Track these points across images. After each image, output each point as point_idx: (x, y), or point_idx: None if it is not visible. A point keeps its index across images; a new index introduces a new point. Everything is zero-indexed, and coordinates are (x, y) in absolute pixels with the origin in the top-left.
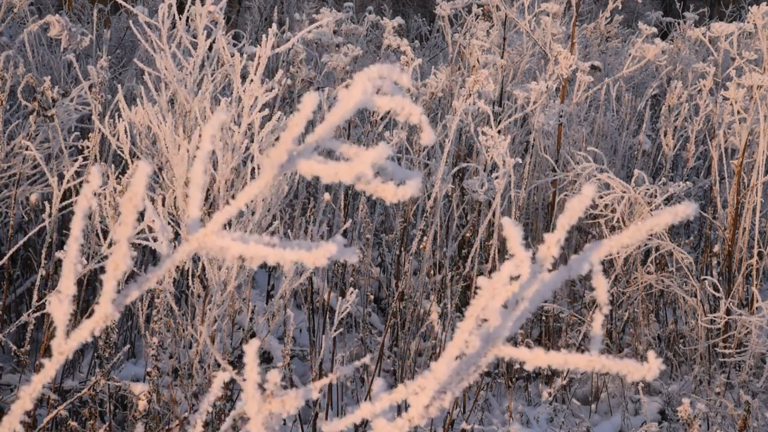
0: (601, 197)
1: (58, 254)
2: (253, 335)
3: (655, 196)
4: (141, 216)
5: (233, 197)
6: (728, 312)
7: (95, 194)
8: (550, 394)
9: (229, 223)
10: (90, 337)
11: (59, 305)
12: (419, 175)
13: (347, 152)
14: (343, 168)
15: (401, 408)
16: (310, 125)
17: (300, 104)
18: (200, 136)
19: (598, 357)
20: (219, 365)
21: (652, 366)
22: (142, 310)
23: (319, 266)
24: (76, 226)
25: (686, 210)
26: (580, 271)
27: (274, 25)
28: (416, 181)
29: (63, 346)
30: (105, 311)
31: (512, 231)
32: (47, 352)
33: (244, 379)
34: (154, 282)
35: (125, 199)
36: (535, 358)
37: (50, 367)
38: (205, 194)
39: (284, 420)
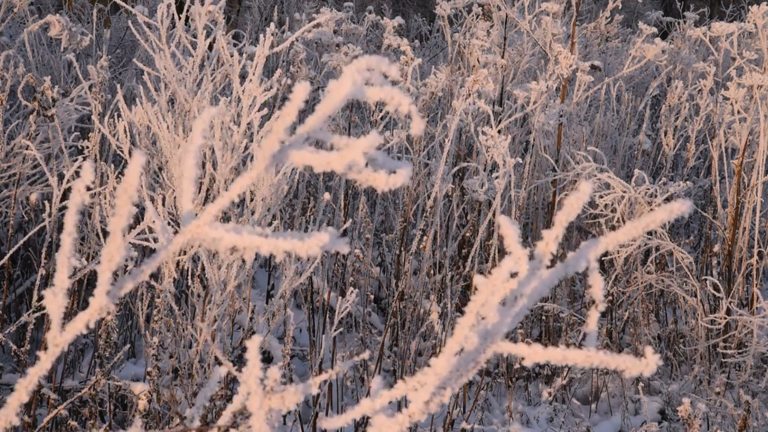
0: (602, 197)
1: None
2: (253, 335)
3: (656, 196)
4: (141, 216)
5: None
6: (728, 312)
7: (90, 191)
8: (550, 393)
9: (228, 221)
10: (85, 329)
11: (54, 298)
12: (409, 165)
13: (338, 143)
14: (335, 157)
15: (401, 405)
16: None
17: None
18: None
19: (596, 353)
20: (220, 364)
21: (650, 361)
22: (142, 309)
23: (317, 262)
24: (70, 221)
25: (681, 207)
26: (577, 269)
27: (272, 25)
28: (407, 170)
29: (58, 339)
30: (100, 303)
31: (509, 229)
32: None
33: (241, 375)
34: (147, 274)
35: (120, 190)
36: (533, 354)
37: (46, 360)
38: (205, 194)
39: (284, 420)
